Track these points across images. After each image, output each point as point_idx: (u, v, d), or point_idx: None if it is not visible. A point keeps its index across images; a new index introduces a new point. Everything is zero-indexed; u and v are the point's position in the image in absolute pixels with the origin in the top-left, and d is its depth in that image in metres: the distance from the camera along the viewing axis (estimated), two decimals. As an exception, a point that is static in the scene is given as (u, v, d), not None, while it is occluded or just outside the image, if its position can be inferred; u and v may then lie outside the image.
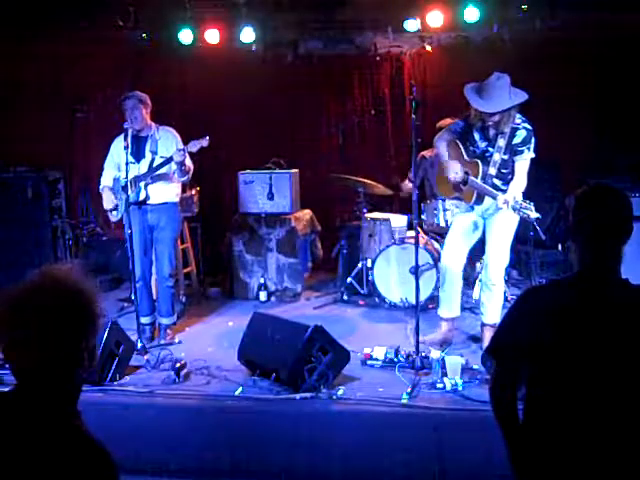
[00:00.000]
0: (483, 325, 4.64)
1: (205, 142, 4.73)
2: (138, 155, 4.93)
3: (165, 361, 4.38)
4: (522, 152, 4.27)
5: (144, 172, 4.89)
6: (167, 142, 4.93)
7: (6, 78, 6.68)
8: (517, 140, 4.26)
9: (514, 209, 4.00)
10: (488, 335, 4.47)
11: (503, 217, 4.37)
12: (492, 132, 4.33)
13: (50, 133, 7.03)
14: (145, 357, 4.47)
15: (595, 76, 6.54)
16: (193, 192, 6.43)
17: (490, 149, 4.35)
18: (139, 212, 4.92)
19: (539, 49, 6.42)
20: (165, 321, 5.16)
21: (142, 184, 4.87)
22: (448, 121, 4.95)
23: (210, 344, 4.93)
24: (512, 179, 4.34)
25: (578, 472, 1.89)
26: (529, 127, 4.27)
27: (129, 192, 4.86)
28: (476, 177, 4.33)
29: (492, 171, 4.31)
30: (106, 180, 5.11)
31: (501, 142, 4.26)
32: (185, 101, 7.24)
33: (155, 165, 4.87)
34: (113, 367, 4.09)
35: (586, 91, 6.57)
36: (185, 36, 6.74)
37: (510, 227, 4.43)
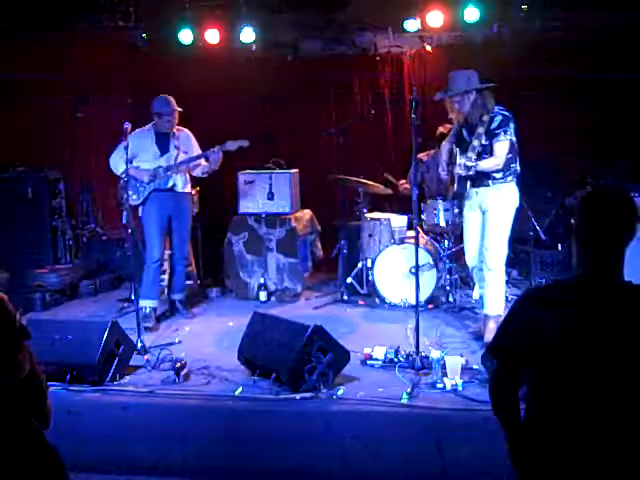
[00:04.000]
0: (486, 317, 4.71)
1: (245, 143, 5.39)
2: (163, 150, 5.49)
3: (165, 361, 4.37)
4: (498, 135, 4.51)
5: (172, 163, 5.44)
6: (186, 140, 5.60)
7: (6, 78, 6.67)
8: (494, 125, 4.53)
9: (463, 169, 4.37)
10: (492, 327, 4.53)
11: (498, 208, 4.58)
12: (474, 123, 4.57)
13: (50, 133, 7.03)
14: (145, 357, 4.46)
15: (595, 76, 6.53)
16: (193, 192, 6.42)
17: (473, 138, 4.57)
18: (161, 199, 5.46)
19: (539, 49, 6.43)
20: (181, 296, 5.80)
21: (169, 173, 5.44)
22: (448, 126, 5.07)
23: (210, 344, 4.93)
24: None
25: (579, 471, 1.89)
26: (506, 114, 4.55)
27: (156, 181, 5.42)
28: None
29: (470, 155, 4.45)
30: (121, 167, 5.23)
31: (480, 129, 4.49)
32: (185, 101, 7.23)
33: (183, 159, 5.47)
34: (113, 367, 4.09)
35: (586, 91, 6.56)
36: (185, 36, 6.74)
37: (505, 216, 4.60)
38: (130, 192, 5.37)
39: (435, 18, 6.44)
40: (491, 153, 4.53)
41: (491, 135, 4.51)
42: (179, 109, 5.47)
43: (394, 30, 6.95)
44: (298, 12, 6.78)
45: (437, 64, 7.12)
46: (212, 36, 6.77)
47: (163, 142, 5.49)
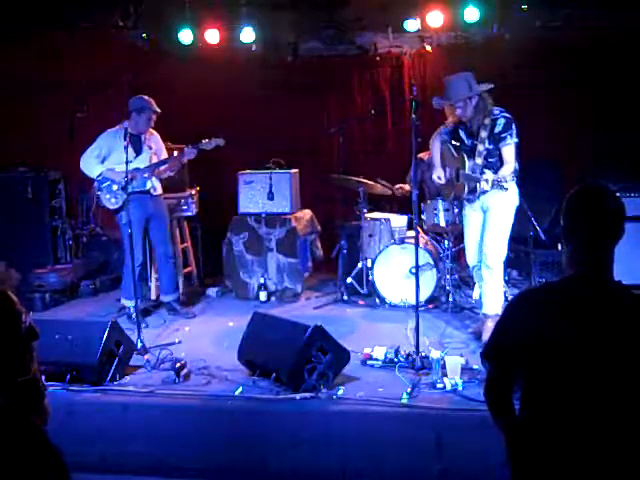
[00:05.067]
0: (485, 316, 4.72)
1: (221, 142, 5.29)
2: (137, 151, 5.40)
3: (165, 361, 4.37)
4: (505, 138, 4.50)
5: (148, 165, 5.38)
6: (157, 141, 5.58)
7: (6, 78, 6.68)
8: (498, 128, 4.51)
9: (493, 185, 4.29)
10: (490, 326, 4.53)
11: (499, 206, 4.59)
12: (475, 127, 4.57)
13: (50, 133, 7.03)
14: (145, 357, 4.47)
15: (595, 76, 6.53)
16: (193, 192, 6.43)
17: (476, 142, 4.56)
18: (140, 201, 5.29)
19: (539, 49, 6.43)
20: (175, 296, 5.76)
21: (146, 175, 5.38)
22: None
23: (210, 344, 4.93)
24: (501, 165, 4.54)
25: (575, 470, 1.89)
26: (508, 116, 4.52)
27: (133, 183, 5.23)
28: (464, 170, 4.59)
29: (479, 161, 4.50)
30: (98, 170, 5.36)
31: (483, 133, 4.50)
32: (185, 101, 7.24)
33: (160, 160, 5.45)
34: (113, 367, 4.09)
35: (585, 91, 6.57)
36: (185, 36, 6.73)
37: (506, 216, 4.61)
38: (107, 196, 5.36)
39: (435, 18, 6.44)
40: (499, 158, 4.50)
41: (496, 139, 4.50)
42: (159, 110, 5.42)
43: (394, 30, 6.94)
44: (298, 12, 6.77)
45: (437, 64, 7.12)
46: (212, 36, 6.77)
47: (136, 143, 5.41)
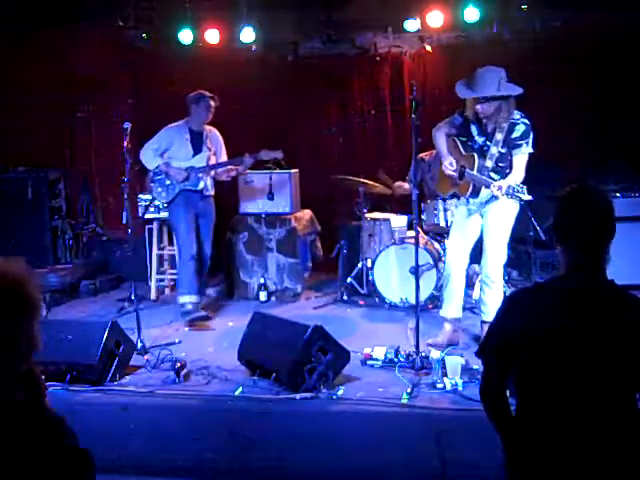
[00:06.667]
0: (483, 323, 4.67)
1: (279, 155, 5.45)
2: (196, 149, 5.49)
3: (165, 361, 4.37)
4: (520, 146, 4.32)
5: (204, 165, 5.46)
6: (216, 140, 5.63)
7: (6, 78, 6.68)
8: (516, 134, 4.31)
9: (507, 194, 4.03)
10: None
11: (499, 213, 4.43)
12: (490, 127, 4.37)
13: (50, 133, 7.03)
14: (145, 357, 4.47)
15: (595, 76, 6.53)
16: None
17: (488, 143, 4.40)
18: (189, 198, 5.46)
19: (539, 49, 6.43)
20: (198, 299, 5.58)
21: (200, 175, 5.45)
22: None
23: (210, 344, 4.93)
24: (510, 173, 4.38)
25: (567, 467, 1.90)
26: (527, 122, 4.33)
27: (186, 181, 5.41)
28: (472, 170, 4.38)
29: (488, 164, 4.35)
30: (156, 162, 5.46)
31: (499, 136, 4.31)
32: (185, 101, 7.22)
33: (217, 163, 5.52)
34: (113, 367, 4.09)
35: (586, 91, 6.56)
36: (185, 36, 6.73)
37: (506, 223, 4.47)
38: (159, 189, 5.49)
39: (435, 18, 6.44)
40: (509, 165, 4.35)
41: (511, 144, 4.32)
42: (217, 100, 5.48)
43: (394, 30, 6.94)
44: (298, 12, 6.77)
45: (437, 64, 7.12)
46: (212, 36, 6.76)
47: (197, 141, 5.52)
